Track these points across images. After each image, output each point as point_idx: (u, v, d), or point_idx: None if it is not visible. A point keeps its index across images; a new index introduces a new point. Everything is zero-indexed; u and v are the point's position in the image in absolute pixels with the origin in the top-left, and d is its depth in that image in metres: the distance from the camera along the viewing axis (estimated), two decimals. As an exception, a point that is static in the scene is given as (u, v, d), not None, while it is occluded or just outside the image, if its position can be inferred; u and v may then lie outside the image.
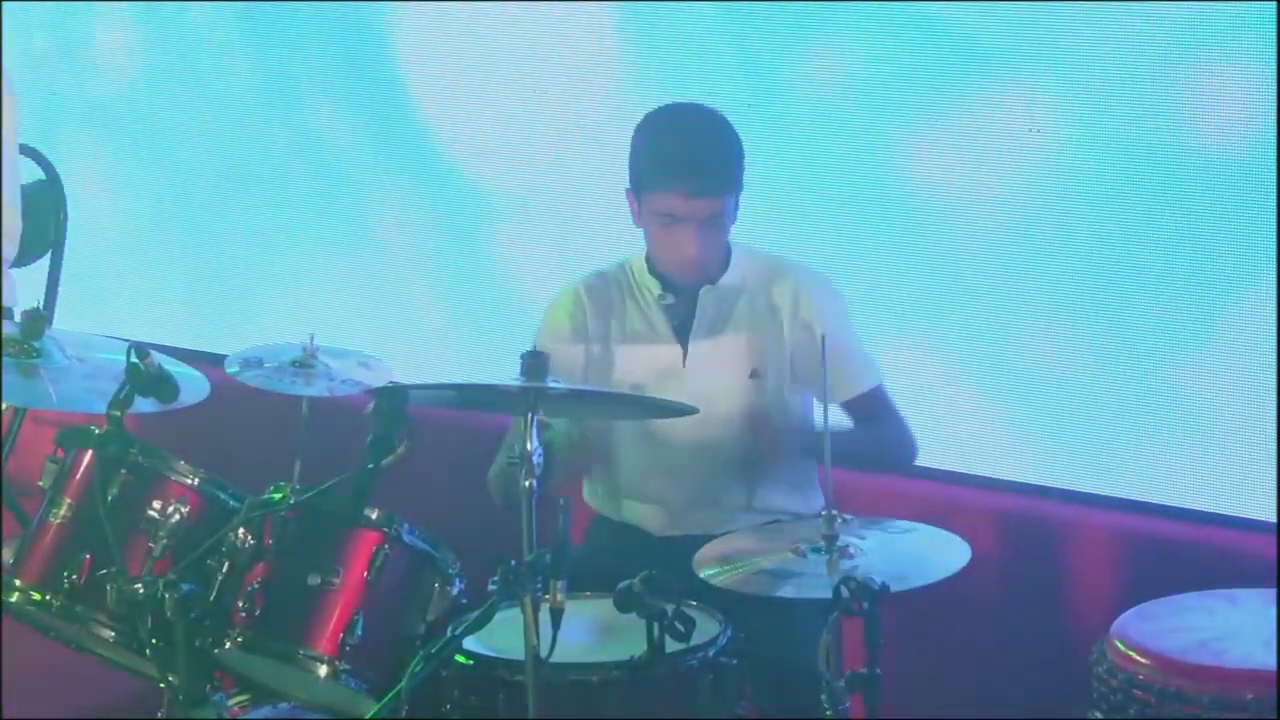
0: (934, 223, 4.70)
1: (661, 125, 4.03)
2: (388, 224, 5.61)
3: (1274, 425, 4.27)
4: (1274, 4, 4.15)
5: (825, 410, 3.68)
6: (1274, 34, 4.15)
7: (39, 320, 4.02)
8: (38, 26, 6.12)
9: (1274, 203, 4.21)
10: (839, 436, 4.01)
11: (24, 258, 5.18)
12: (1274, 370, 4.25)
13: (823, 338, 3.72)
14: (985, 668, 4.58)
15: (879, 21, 4.66)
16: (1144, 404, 4.49)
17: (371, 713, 3.47)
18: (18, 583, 3.87)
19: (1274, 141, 4.18)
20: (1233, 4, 4.22)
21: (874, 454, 4.15)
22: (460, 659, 3.53)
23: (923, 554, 3.58)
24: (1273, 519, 4.25)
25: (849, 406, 4.08)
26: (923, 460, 4.55)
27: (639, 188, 3.99)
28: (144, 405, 3.85)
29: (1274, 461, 4.26)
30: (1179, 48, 4.31)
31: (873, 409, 4.10)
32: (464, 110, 5.40)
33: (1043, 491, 4.63)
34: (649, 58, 5.04)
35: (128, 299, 6.14)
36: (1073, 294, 4.54)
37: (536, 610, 3.31)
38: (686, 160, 3.92)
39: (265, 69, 5.77)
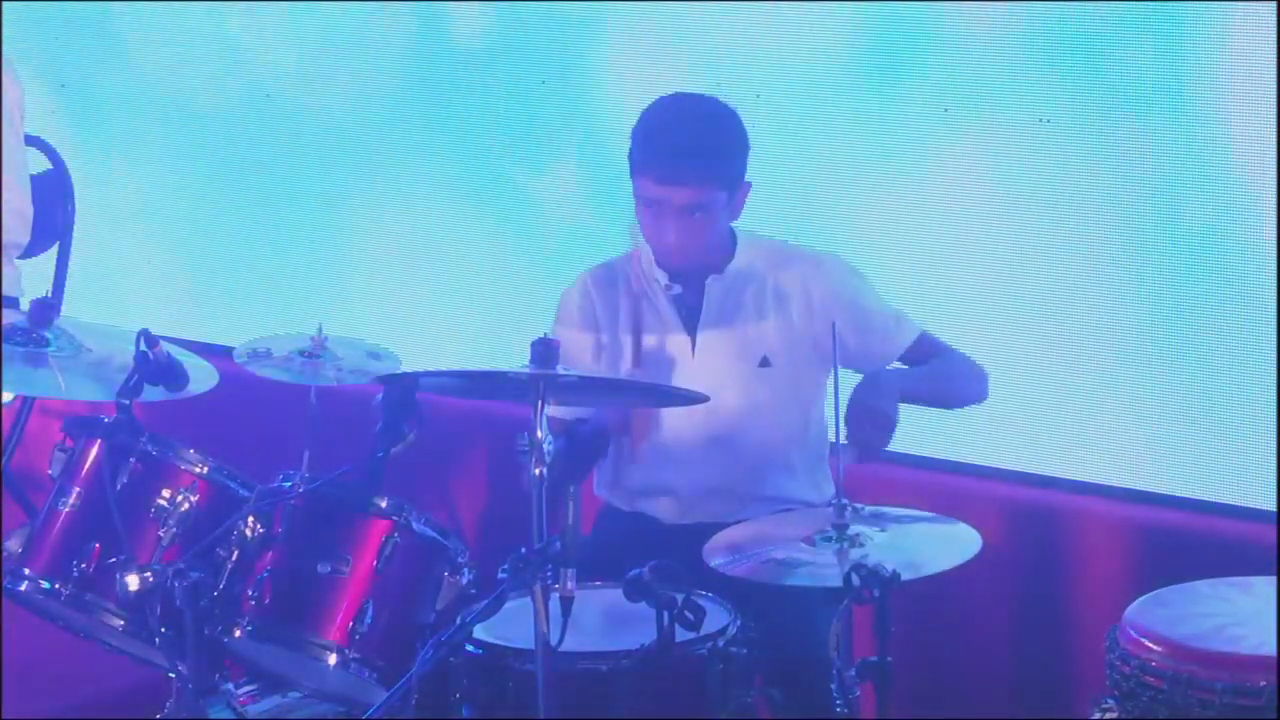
0: (941, 213, 4.69)
1: (652, 111, 4.01)
2: (396, 213, 5.61)
3: (1275, 417, 4.27)
4: (1274, 3, 4.15)
5: (836, 399, 3.68)
6: (1275, 33, 4.15)
7: (48, 309, 4.02)
8: (45, 17, 6.12)
9: (1275, 196, 4.21)
10: (915, 373, 3.98)
11: (31, 248, 5.17)
12: (1274, 362, 4.25)
13: (834, 325, 3.71)
14: (995, 656, 4.58)
15: (887, 12, 4.66)
16: (1150, 395, 4.49)
17: (380, 701, 3.46)
18: (27, 571, 3.87)
19: (1275, 137, 4.18)
20: (1234, 4, 4.22)
21: (943, 384, 4.05)
22: (469, 648, 3.52)
23: (933, 543, 3.58)
24: (1273, 508, 4.25)
25: (903, 361, 4.05)
26: (933, 450, 4.56)
27: (630, 175, 3.98)
28: (153, 394, 3.86)
29: (1275, 452, 4.26)
30: (1182, 42, 4.31)
31: (926, 356, 4.06)
32: (470, 100, 5.40)
33: (1052, 482, 4.63)
34: (653, 50, 5.04)
35: (135, 291, 6.14)
36: (1080, 285, 4.54)
37: (546, 599, 3.30)
38: (660, 147, 3.90)
39: (272, 61, 5.77)
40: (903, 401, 3.89)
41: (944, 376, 4.06)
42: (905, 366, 4.06)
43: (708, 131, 3.94)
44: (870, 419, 3.77)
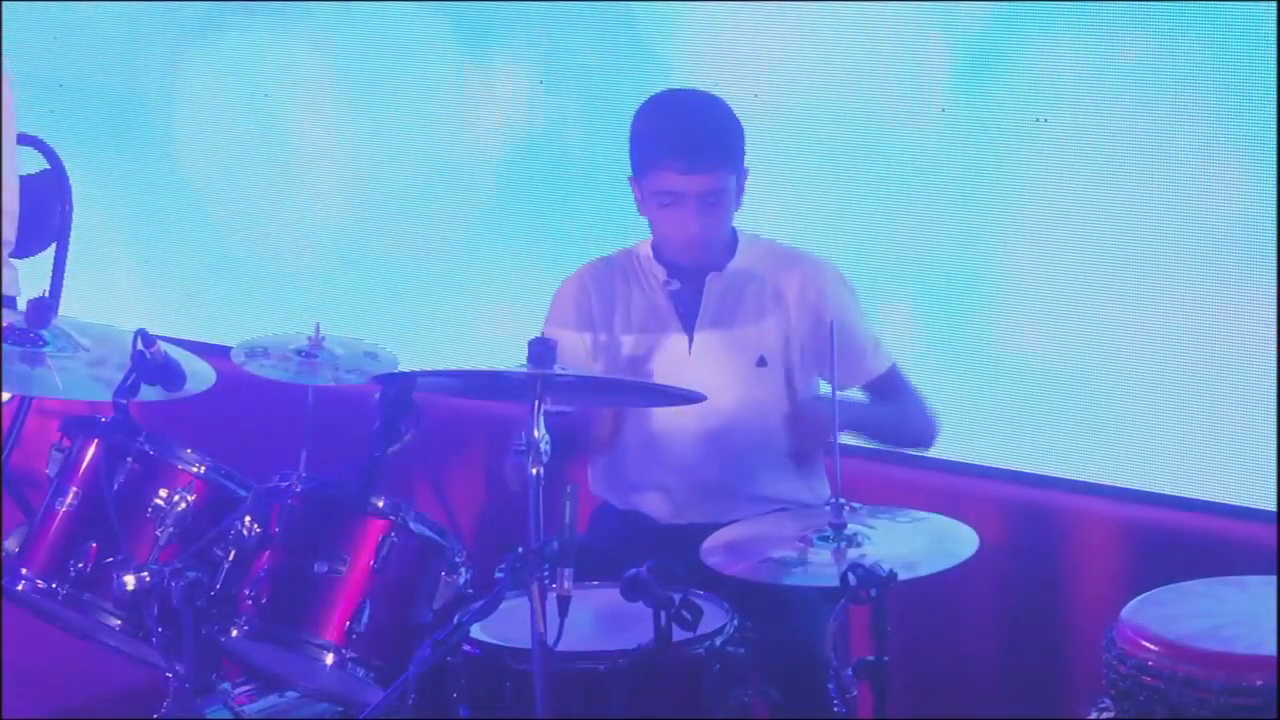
0: (940, 212, 4.69)
1: (655, 107, 4.04)
2: (392, 212, 5.61)
3: (1274, 417, 4.27)
4: (1274, 3, 4.15)
5: (834, 398, 3.67)
6: (1274, 33, 4.15)
7: (45, 309, 4.02)
8: (43, 17, 6.12)
9: (1275, 195, 4.21)
10: (861, 408, 4.01)
11: (28, 248, 5.17)
12: (1274, 362, 4.25)
13: (831, 324, 3.71)
14: (993, 656, 4.58)
15: (884, 11, 4.66)
16: (1149, 395, 4.48)
17: (378, 701, 3.46)
18: (24, 571, 3.87)
19: (1274, 136, 4.18)
20: (1234, 3, 4.22)
21: (896, 425, 4.12)
22: (467, 647, 3.52)
23: (931, 543, 3.58)
24: (1272, 508, 4.25)
25: (867, 389, 4.09)
26: (931, 450, 4.55)
27: (638, 172, 4.00)
28: (150, 394, 3.86)
29: (1274, 452, 4.26)
30: (1181, 41, 4.31)
31: (890, 389, 4.10)
32: (467, 100, 5.40)
33: (1051, 482, 4.62)
34: (650, 50, 5.04)
35: (132, 291, 6.13)
36: (1078, 284, 4.54)
37: (544, 598, 3.30)
38: (678, 137, 3.93)
39: (268, 59, 5.77)
40: (848, 429, 3.94)
41: (894, 419, 4.10)
42: (864, 395, 4.10)
43: (716, 118, 4.00)
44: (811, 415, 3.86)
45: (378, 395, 3.71)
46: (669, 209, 3.95)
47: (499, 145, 5.36)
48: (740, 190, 4.01)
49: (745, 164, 4.02)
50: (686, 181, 3.91)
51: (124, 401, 3.82)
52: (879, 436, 4.14)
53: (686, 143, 3.92)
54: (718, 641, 3.52)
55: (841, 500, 3.55)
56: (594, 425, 4.12)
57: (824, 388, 4.05)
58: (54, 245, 5.36)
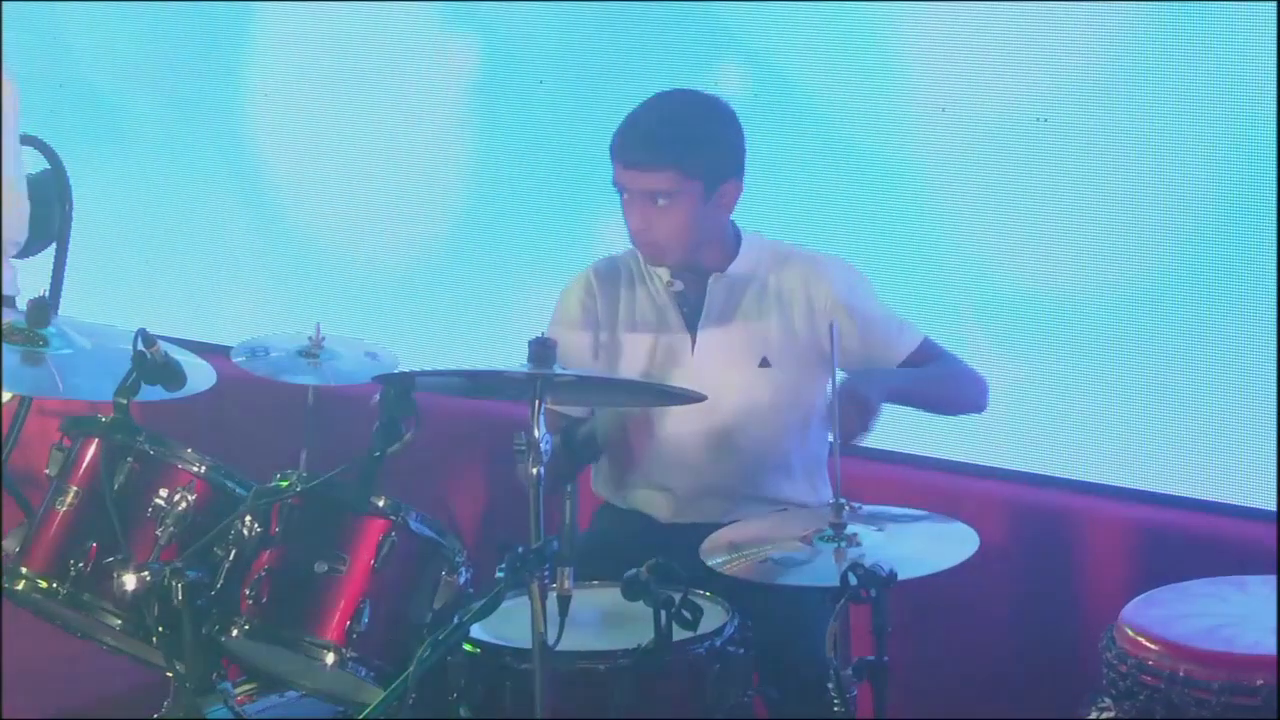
0: (943, 213, 4.69)
1: (639, 104, 4.01)
2: (393, 212, 5.61)
3: (1274, 416, 4.27)
4: (1274, 4, 4.15)
5: (834, 401, 3.66)
6: (1274, 33, 4.15)
7: (45, 309, 4.02)
8: (44, 16, 6.12)
9: (1275, 196, 4.21)
10: (902, 376, 3.95)
11: (29, 248, 5.18)
12: (1274, 362, 4.25)
13: (832, 324, 3.69)
14: (992, 656, 4.58)
15: (884, 10, 4.66)
16: (1150, 395, 4.49)
17: (378, 701, 3.46)
18: (24, 571, 3.87)
19: (1275, 136, 4.18)
20: (1235, 3, 4.22)
21: (941, 387, 4.02)
22: (467, 647, 3.52)
23: (931, 542, 3.57)
24: (1273, 508, 4.25)
25: (904, 366, 4.02)
26: (930, 450, 4.56)
27: None
28: (151, 393, 3.86)
29: (1274, 452, 4.26)
30: (1181, 41, 4.31)
31: (928, 360, 4.02)
32: (467, 100, 5.41)
33: (1051, 481, 4.63)
34: (650, 49, 5.04)
35: (133, 290, 6.14)
36: (1079, 285, 4.54)
37: (544, 598, 3.30)
38: (625, 133, 3.92)
39: (268, 59, 5.78)
40: (895, 401, 3.89)
41: (939, 380, 4.03)
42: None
43: (681, 119, 3.93)
44: (852, 403, 3.73)
45: (378, 395, 3.71)
46: (623, 201, 3.94)
47: (498, 145, 5.37)
48: (722, 203, 3.94)
49: (732, 175, 3.93)
50: (629, 176, 3.89)
51: (124, 401, 3.82)
52: (926, 402, 4.04)
53: (629, 139, 3.90)
54: (718, 641, 3.52)
55: (843, 500, 3.55)
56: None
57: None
58: (54, 245, 5.37)
